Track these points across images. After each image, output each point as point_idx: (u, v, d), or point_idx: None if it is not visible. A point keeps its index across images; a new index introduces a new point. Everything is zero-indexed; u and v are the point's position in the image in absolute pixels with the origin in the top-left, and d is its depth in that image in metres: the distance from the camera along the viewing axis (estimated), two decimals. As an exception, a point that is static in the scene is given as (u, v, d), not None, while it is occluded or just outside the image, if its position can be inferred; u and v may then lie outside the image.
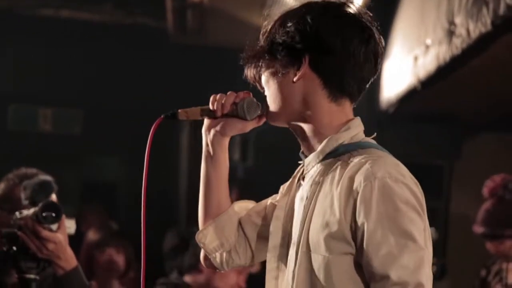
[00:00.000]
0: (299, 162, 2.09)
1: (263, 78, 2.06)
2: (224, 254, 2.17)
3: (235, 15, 6.69)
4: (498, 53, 4.39)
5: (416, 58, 5.31)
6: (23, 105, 8.42)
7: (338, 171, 1.92)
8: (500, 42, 4.13)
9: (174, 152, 7.40)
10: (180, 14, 7.05)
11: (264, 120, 2.09)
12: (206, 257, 2.20)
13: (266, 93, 2.06)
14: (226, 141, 2.14)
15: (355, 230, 1.85)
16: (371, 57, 2.01)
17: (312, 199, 1.95)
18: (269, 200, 2.19)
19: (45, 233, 2.67)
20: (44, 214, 2.67)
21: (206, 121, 2.14)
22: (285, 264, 2.02)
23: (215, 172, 2.16)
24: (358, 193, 1.85)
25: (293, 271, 1.94)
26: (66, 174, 7.72)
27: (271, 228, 2.08)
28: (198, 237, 2.18)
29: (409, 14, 5.75)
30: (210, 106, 2.10)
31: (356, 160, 1.91)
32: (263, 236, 2.14)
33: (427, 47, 5.03)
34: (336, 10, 2.01)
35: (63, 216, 2.72)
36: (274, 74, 2.02)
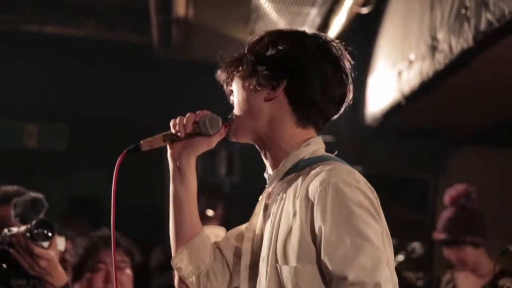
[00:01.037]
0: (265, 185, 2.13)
1: (235, 84, 2.11)
2: (201, 277, 2.17)
3: (220, 30, 6.71)
4: (480, 68, 4.43)
5: (400, 73, 5.35)
6: (7, 120, 8.39)
7: (299, 183, 1.97)
8: (481, 58, 4.16)
9: (161, 169, 7.37)
10: (165, 30, 7.07)
11: (227, 130, 2.13)
12: (181, 281, 2.19)
13: (234, 100, 2.11)
14: (193, 161, 2.17)
15: (315, 236, 1.89)
16: (340, 98, 2.10)
17: (277, 214, 2.00)
18: (244, 225, 2.22)
19: (38, 250, 2.68)
20: (37, 231, 2.68)
21: (170, 146, 2.16)
22: (259, 283, 2.04)
23: (186, 193, 2.18)
24: (314, 199, 1.90)
25: (265, 285, 1.97)
26: (52, 189, 7.69)
27: (243, 249, 2.12)
28: (174, 261, 2.18)
29: (393, 29, 5.79)
30: (172, 130, 2.13)
31: (314, 171, 1.96)
32: (239, 257, 2.15)
33: (411, 62, 5.06)
34: (325, 49, 2.09)
35: (55, 234, 2.73)
36: (247, 85, 2.07)
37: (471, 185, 5.03)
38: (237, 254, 2.18)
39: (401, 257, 5.50)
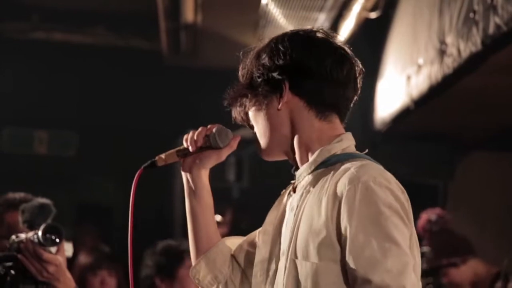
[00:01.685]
0: (292, 181, 2.10)
1: (250, 115, 2.10)
2: (221, 287, 2.17)
3: (229, 36, 6.72)
4: (489, 71, 4.42)
5: (409, 78, 5.34)
6: (18, 128, 8.43)
7: (328, 178, 1.94)
8: (490, 61, 4.15)
9: (170, 175, 7.40)
10: (173, 36, 7.08)
11: (237, 141, 2.13)
12: None
13: (256, 130, 2.10)
14: (206, 174, 2.18)
15: (340, 234, 1.85)
16: (349, 75, 2.05)
17: (302, 207, 1.97)
18: (258, 230, 2.19)
19: (46, 255, 2.68)
20: (45, 237, 2.68)
21: (183, 160, 2.18)
22: (272, 278, 2.02)
23: (200, 207, 2.19)
24: (342, 196, 1.86)
25: (283, 281, 1.94)
26: (61, 196, 7.70)
27: (259, 242, 2.09)
28: (192, 273, 2.19)
29: (402, 34, 5.79)
30: (185, 145, 2.14)
31: (344, 167, 1.93)
32: (252, 262, 2.12)
33: (419, 66, 5.06)
34: (305, 35, 2.07)
35: (63, 240, 2.74)
36: (259, 108, 2.06)
37: (479, 189, 5.02)
38: (252, 260, 2.14)
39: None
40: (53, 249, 2.70)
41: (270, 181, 6.65)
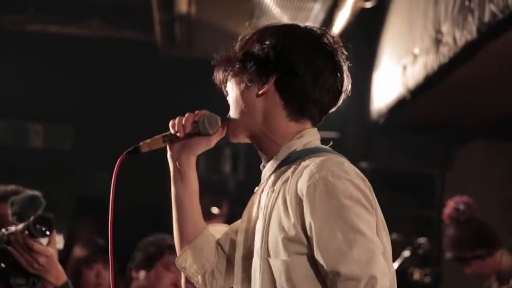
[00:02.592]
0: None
1: (229, 84, 2.11)
2: (207, 276, 2.16)
3: (223, 26, 6.68)
4: (485, 60, 4.39)
5: (404, 68, 5.31)
6: (13, 120, 8.39)
7: (290, 177, 1.96)
8: (486, 50, 4.12)
9: (164, 167, 7.36)
10: (167, 27, 7.05)
11: (226, 129, 2.13)
12: (187, 281, 2.19)
13: (229, 98, 2.12)
14: (193, 161, 2.17)
15: (306, 231, 1.87)
16: (334, 89, 2.07)
17: (269, 207, 1.98)
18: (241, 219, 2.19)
19: (37, 246, 2.65)
20: (36, 228, 2.65)
21: (170, 146, 2.17)
22: (251, 275, 2.02)
23: (187, 193, 2.18)
24: (303, 195, 1.88)
25: (259, 279, 1.96)
26: (57, 189, 7.68)
27: (237, 241, 2.11)
28: (178, 262, 2.18)
29: (397, 24, 5.75)
30: (171, 130, 2.13)
31: (304, 164, 1.95)
32: None
33: (415, 56, 5.03)
34: (314, 39, 2.07)
35: (54, 231, 2.71)
36: (239, 83, 2.07)
37: (478, 179, 4.99)
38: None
39: (407, 253, 5.46)
40: (44, 241, 2.68)
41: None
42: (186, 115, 2.12)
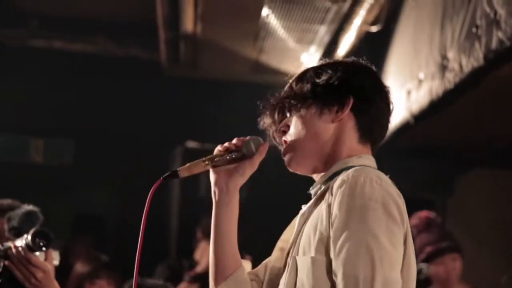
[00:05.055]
0: (306, 192, 2.11)
1: (293, 122, 2.07)
2: None
3: (228, 47, 6.69)
4: (491, 87, 4.39)
5: (409, 92, 5.31)
6: (14, 135, 8.38)
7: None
8: (492, 77, 4.12)
9: (166, 182, 7.32)
10: (173, 46, 7.05)
11: (266, 147, 2.10)
12: None
13: (291, 137, 2.07)
14: (238, 188, 2.12)
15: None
16: (388, 116, 2.13)
17: (311, 212, 1.98)
18: (264, 263, 2.17)
19: (35, 259, 2.63)
20: (35, 242, 2.63)
21: (214, 171, 2.11)
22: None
23: (231, 223, 2.12)
24: (333, 192, 1.89)
25: (285, 278, 1.95)
26: (57, 205, 7.65)
27: (273, 257, 2.10)
28: None
29: (402, 48, 5.76)
30: (219, 148, 2.10)
31: (346, 171, 1.94)
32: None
33: (420, 81, 5.02)
34: (373, 71, 2.15)
35: (50, 247, 2.69)
36: (307, 113, 2.05)
37: (479, 206, 5.07)
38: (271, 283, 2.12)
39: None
40: (41, 256, 2.66)
41: (268, 193, 6.63)
42: (234, 140, 2.12)
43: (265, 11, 5.85)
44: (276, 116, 2.10)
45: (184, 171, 2.07)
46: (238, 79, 7.34)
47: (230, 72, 7.24)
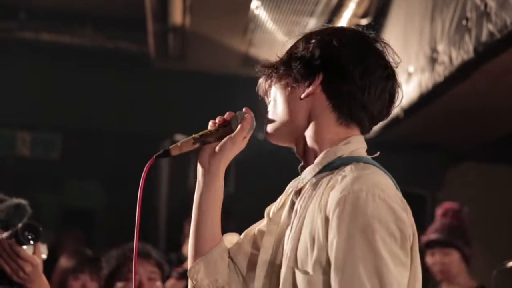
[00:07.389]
0: (296, 178, 2.01)
1: (273, 90, 2.00)
2: None
3: (217, 39, 6.67)
4: (481, 80, 4.37)
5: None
6: (0, 129, 8.33)
7: (327, 184, 1.85)
8: (482, 70, 4.11)
9: (154, 176, 7.33)
10: (161, 39, 7.02)
11: (248, 120, 2.01)
12: None
13: (270, 107, 2.01)
14: (223, 168, 2.03)
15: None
16: (385, 96, 1.95)
17: (303, 213, 1.88)
18: (256, 227, 2.11)
19: (23, 253, 2.60)
20: (23, 235, 2.60)
21: (202, 148, 2.04)
22: (275, 282, 1.93)
23: (212, 202, 2.05)
24: (331, 208, 1.77)
25: (280, 286, 1.86)
26: (44, 198, 7.62)
27: (264, 242, 2.01)
28: (190, 273, 2.05)
29: (392, 41, 5.72)
30: (210, 124, 2.03)
31: (343, 174, 1.83)
32: (254, 264, 2.03)
33: (410, 74, 5.01)
34: (366, 41, 1.96)
35: (39, 240, 2.66)
36: (284, 87, 1.97)
37: (468, 200, 5.07)
38: (252, 260, 2.05)
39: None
40: (29, 249, 2.63)
41: (256, 186, 6.61)
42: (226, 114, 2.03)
43: (254, 4, 5.83)
44: (264, 83, 2.03)
45: (176, 149, 2.02)
46: (227, 72, 7.31)
47: (219, 64, 7.22)
